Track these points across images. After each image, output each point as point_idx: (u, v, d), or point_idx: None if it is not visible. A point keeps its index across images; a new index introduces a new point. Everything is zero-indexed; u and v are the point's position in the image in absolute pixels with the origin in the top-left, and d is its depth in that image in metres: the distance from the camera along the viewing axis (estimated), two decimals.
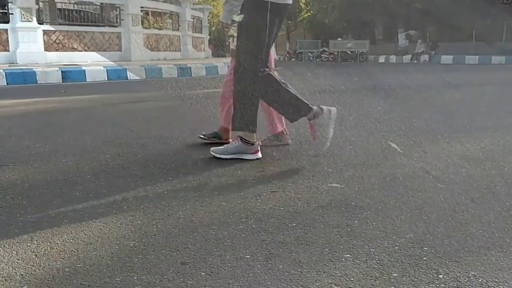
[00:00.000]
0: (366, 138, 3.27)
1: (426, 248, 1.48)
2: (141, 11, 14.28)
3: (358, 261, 1.39)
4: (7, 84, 8.35)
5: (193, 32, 17.97)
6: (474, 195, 2.03)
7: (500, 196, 2.01)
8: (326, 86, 7.67)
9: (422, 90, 7.44)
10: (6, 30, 11.47)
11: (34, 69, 8.91)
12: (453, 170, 2.45)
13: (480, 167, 2.50)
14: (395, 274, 1.31)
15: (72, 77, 9.11)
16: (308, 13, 33.36)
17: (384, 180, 2.25)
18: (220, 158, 2.66)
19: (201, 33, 19.88)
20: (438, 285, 1.25)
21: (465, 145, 3.05)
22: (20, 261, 1.40)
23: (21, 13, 11.44)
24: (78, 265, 1.37)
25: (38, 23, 12.03)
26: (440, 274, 1.31)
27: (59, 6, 13.82)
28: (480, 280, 1.28)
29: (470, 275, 1.31)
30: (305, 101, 2.69)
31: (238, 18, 2.60)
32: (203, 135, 3.16)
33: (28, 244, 1.52)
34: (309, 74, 11.23)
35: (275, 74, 2.73)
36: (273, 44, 2.76)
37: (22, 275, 1.32)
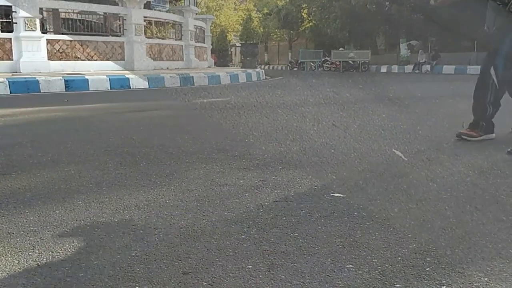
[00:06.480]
0: (370, 145, 3.27)
1: (429, 259, 1.47)
2: (144, 20, 14.37)
3: (360, 272, 1.38)
4: (11, 93, 8.40)
5: (195, 42, 18.08)
6: (478, 204, 2.02)
7: (504, 206, 2.00)
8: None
9: (425, 99, 7.44)
10: (10, 39, 11.55)
11: (37, 78, 8.96)
12: (458, 178, 2.45)
13: (485, 176, 2.50)
14: (398, 285, 1.30)
15: (75, 86, 9.16)
16: (310, 23, 33.51)
17: (387, 189, 2.25)
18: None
19: (204, 42, 20.01)
20: None
21: (469, 153, 3.04)
22: (21, 270, 1.40)
23: (25, 23, 11.52)
24: (80, 275, 1.37)
25: (42, 32, 12.11)
26: (443, 285, 1.30)
27: (62, 15, 13.90)
28: None
29: (474, 286, 1.30)
30: None
31: None
32: None
33: (30, 253, 1.52)
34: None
35: None
36: None
37: (23, 284, 1.31)
